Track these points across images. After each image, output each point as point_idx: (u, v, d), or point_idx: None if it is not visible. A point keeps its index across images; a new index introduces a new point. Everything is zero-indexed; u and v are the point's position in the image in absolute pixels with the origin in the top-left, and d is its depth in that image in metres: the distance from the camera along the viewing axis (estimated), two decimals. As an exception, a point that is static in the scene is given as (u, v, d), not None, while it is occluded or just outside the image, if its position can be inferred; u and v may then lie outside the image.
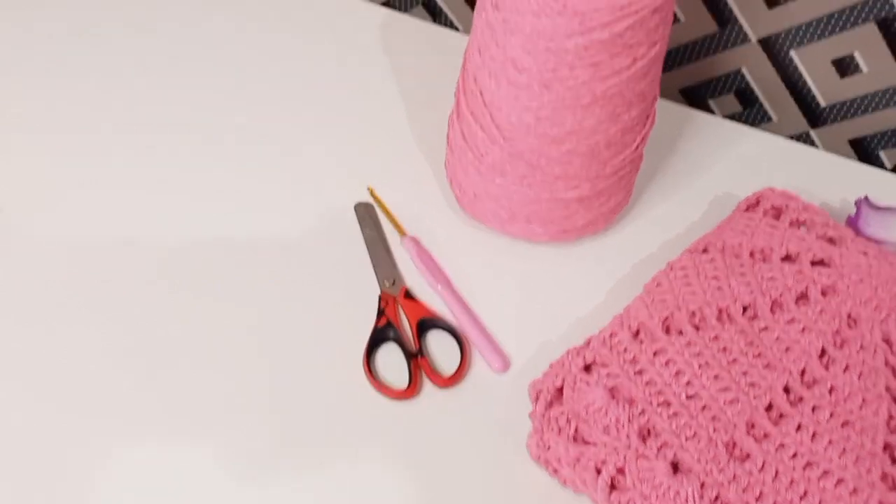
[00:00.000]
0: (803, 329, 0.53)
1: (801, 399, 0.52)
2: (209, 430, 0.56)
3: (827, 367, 0.53)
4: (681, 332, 0.54)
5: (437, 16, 0.83)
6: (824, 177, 0.71)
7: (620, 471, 0.50)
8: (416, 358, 0.59)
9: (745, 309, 0.55)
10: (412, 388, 0.57)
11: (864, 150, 0.75)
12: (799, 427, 0.51)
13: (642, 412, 0.50)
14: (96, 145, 0.71)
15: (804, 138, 0.76)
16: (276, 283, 0.63)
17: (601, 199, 0.62)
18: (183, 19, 0.80)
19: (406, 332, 0.60)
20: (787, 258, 0.58)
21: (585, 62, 0.52)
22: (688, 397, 0.51)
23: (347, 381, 0.58)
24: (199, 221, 0.66)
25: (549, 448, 0.51)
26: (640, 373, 0.52)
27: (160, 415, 0.56)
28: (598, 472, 0.50)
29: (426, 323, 0.61)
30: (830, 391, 0.52)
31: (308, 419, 0.57)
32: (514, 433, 0.55)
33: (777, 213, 0.61)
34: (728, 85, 0.76)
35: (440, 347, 0.60)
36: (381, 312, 0.61)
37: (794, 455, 0.49)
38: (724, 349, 0.52)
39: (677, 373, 0.51)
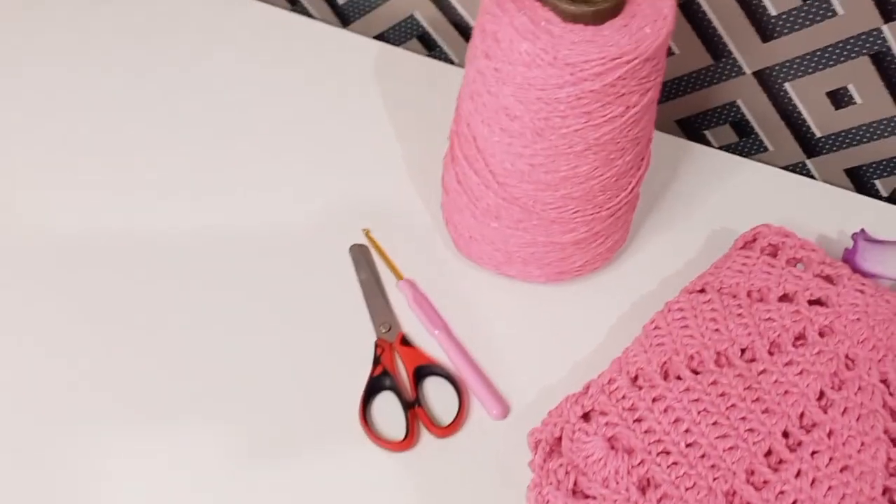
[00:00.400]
0: (801, 371, 0.54)
1: (800, 444, 0.52)
2: (203, 483, 0.56)
3: (825, 411, 0.53)
4: (679, 378, 0.54)
5: (431, 49, 0.83)
6: (821, 208, 0.71)
7: None
8: (413, 408, 0.58)
9: (742, 351, 0.55)
10: (409, 440, 0.57)
11: (860, 179, 0.75)
12: (798, 473, 0.51)
13: (641, 462, 0.50)
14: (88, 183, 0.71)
15: (800, 168, 0.76)
16: (268, 330, 0.63)
17: (598, 241, 0.62)
18: (179, 58, 0.80)
19: (403, 381, 0.60)
20: (784, 298, 0.58)
21: (578, 111, 0.52)
22: (687, 445, 0.51)
23: (343, 432, 0.58)
24: (190, 262, 0.66)
25: (548, 502, 0.51)
26: (638, 421, 0.52)
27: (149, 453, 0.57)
28: None
29: (423, 370, 0.60)
30: (829, 435, 0.52)
31: (304, 472, 0.57)
32: (516, 482, 0.55)
33: (774, 250, 0.61)
34: (724, 116, 0.76)
35: (438, 395, 0.60)
36: (377, 360, 0.60)
37: (794, 502, 0.49)
38: (723, 394, 0.52)
39: (676, 420, 0.51)
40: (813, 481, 0.50)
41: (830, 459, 0.51)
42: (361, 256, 0.66)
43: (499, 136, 0.55)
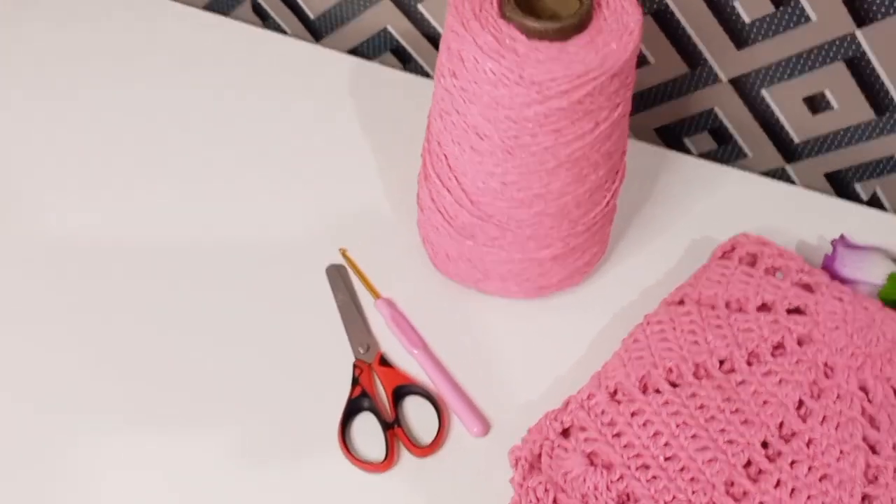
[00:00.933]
0: (780, 381, 0.54)
1: (779, 454, 0.52)
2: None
3: (804, 420, 0.53)
4: (658, 391, 0.53)
5: (406, 62, 0.83)
6: (802, 213, 0.71)
7: None
8: (392, 428, 0.58)
9: (721, 363, 0.55)
10: (389, 460, 0.57)
11: (840, 183, 0.75)
12: (778, 483, 0.51)
13: (621, 478, 0.50)
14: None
15: (780, 173, 0.76)
16: (245, 352, 0.62)
17: (575, 255, 0.61)
18: (152, 75, 0.80)
19: (382, 401, 0.60)
20: (763, 307, 0.58)
21: (547, 129, 0.52)
22: (666, 459, 0.51)
23: (323, 454, 0.58)
24: (162, 280, 0.66)
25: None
26: (617, 435, 0.52)
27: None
28: None
29: (402, 390, 0.60)
30: (808, 444, 0.52)
31: (284, 494, 0.56)
32: (497, 500, 0.55)
33: (752, 259, 0.61)
34: (702, 124, 0.76)
35: (418, 414, 0.60)
36: (355, 381, 0.60)
37: None
38: (702, 406, 0.52)
39: (655, 434, 0.51)
40: (792, 491, 0.50)
41: (810, 469, 0.51)
42: (338, 277, 0.66)
43: (469, 155, 0.55)
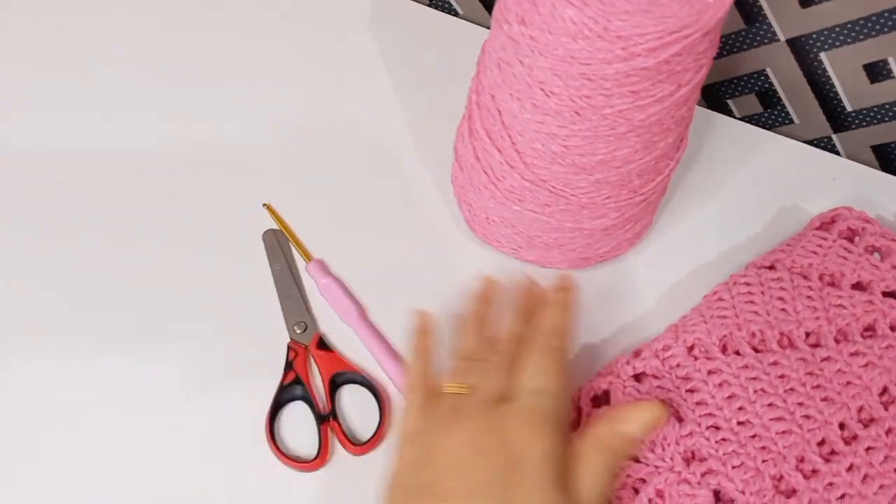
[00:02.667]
0: (867, 364, 0.51)
1: (855, 437, 0.49)
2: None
3: (886, 408, 0.50)
4: (738, 354, 0.51)
5: (432, -1, 0.76)
6: (848, 186, 0.67)
7: (660, 494, 0.48)
8: (326, 421, 0.53)
9: (807, 335, 0.52)
10: (321, 458, 0.51)
11: (886, 157, 0.71)
12: (850, 467, 0.48)
13: (690, 434, 0.48)
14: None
15: (825, 142, 0.72)
16: (171, 323, 0.56)
17: (627, 227, 0.56)
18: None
19: (317, 390, 0.54)
20: (857, 286, 0.55)
21: (625, 90, 0.46)
22: (739, 423, 0.48)
23: (249, 447, 0.52)
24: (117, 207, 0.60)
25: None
26: (691, 391, 0.49)
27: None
28: (637, 491, 0.48)
29: (341, 377, 0.54)
30: (888, 432, 0.49)
31: (206, 492, 0.51)
32: None
33: (851, 235, 0.58)
34: (750, 85, 0.70)
35: (357, 406, 0.54)
36: (288, 366, 0.54)
37: (843, 496, 0.47)
38: (783, 377, 0.50)
39: (730, 396, 0.49)
40: (865, 477, 0.48)
41: (885, 458, 0.49)
42: (276, 243, 0.58)
43: (530, 114, 0.49)
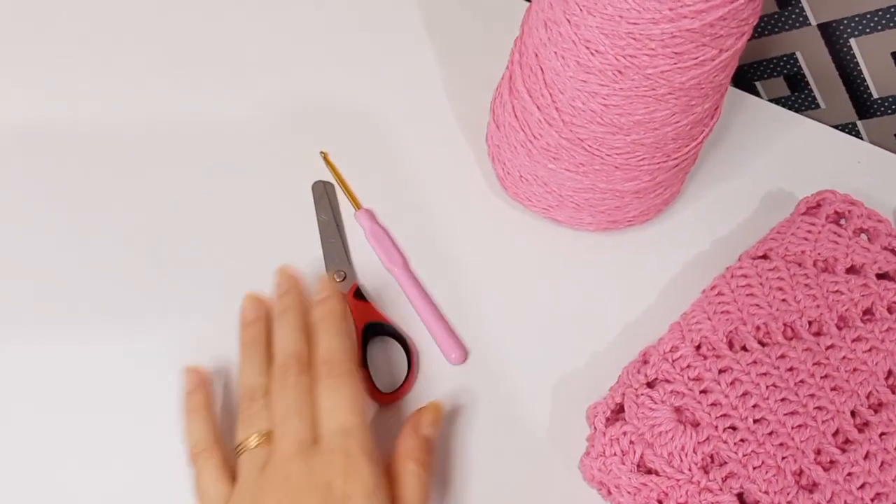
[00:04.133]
0: (871, 349, 0.51)
1: (867, 424, 0.50)
2: (139, 458, 0.51)
3: (894, 391, 0.50)
4: (746, 349, 0.51)
5: (471, -31, 0.78)
6: (872, 171, 0.68)
7: None
8: None
9: (810, 324, 0.52)
10: None
11: (911, 146, 0.72)
12: (867, 455, 0.48)
13: (707, 439, 0.47)
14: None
15: (850, 128, 0.73)
16: (212, 264, 0.57)
17: (657, 192, 0.58)
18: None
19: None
20: (851, 270, 0.55)
21: (669, 51, 0.48)
22: (755, 422, 0.48)
23: None
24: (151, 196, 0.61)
25: (609, 472, 0.48)
26: (704, 392, 0.49)
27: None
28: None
29: (373, 328, 0.55)
30: None
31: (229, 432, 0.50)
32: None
33: (838, 218, 0.58)
34: (779, 68, 0.72)
35: (386, 356, 0.55)
36: None
37: (863, 486, 0.47)
38: (791, 369, 0.50)
39: (744, 394, 0.48)
40: (882, 464, 0.48)
41: None
42: (324, 194, 0.60)
43: (573, 72, 0.51)
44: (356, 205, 0.60)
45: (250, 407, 0.48)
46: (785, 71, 0.72)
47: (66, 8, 0.70)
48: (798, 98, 0.74)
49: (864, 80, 0.70)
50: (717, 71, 0.50)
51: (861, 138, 0.73)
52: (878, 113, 0.71)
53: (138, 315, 0.56)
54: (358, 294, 0.57)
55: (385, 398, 0.53)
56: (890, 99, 0.70)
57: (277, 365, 0.49)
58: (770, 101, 0.74)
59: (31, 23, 0.69)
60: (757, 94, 0.75)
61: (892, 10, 0.65)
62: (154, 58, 0.68)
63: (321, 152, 0.62)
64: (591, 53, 0.50)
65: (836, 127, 0.73)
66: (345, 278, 0.57)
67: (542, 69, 0.53)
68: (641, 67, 0.49)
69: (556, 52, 0.52)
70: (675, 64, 0.49)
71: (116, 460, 0.51)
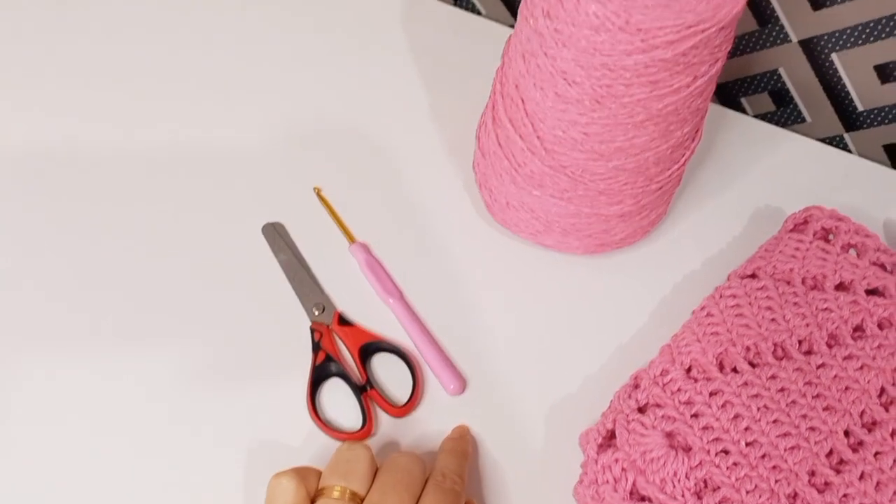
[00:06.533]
0: (862, 366, 0.51)
1: (861, 444, 0.50)
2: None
3: (887, 409, 0.51)
4: (736, 371, 0.51)
5: (457, -3, 0.79)
6: (860, 183, 0.69)
7: None
8: (365, 391, 0.54)
9: (800, 343, 0.53)
10: (369, 427, 0.53)
11: (899, 156, 0.73)
12: (862, 475, 0.49)
13: (700, 464, 0.47)
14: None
15: (837, 141, 0.74)
16: (196, 326, 0.57)
17: (643, 214, 0.59)
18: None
19: (349, 364, 0.56)
20: (840, 286, 0.55)
21: (643, 80, 0.49)
22: (747, 444, 0.48)
23: (295, 431, 0.53)
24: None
25: (602, 500, 0.48)
26: (696, 416, 0.49)
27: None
28: None
29: (369, 348, 0.56)
30: (892, 435, 0.50)
31: (258, 481, 0.51)
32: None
33: (825, 234, 0.59)
34: (763, 84, 0.73)
35: (389, 372, 0.56)
36: (316, 347, 0.55)
37: None
38: (782, 390, 0.50)
39: (735, 417, 0.49)
40: (877, 484, 0.48)
41: (894, 461, 0.49)
42: (276, 234, 0.60)
43: (552, 102, 0.52)
44: (350, 238, 0.61)
45: (352, 460, 0.48)
46: (769, 87, 0.73)
47: (59, 33, 0.72)
48: (784, 113, 0.74)
49: (848, 93, 0.70)
50: (694, 97, 0.51)
51: (849, 150, 0.74)
52: (865, 125, 0.72)
53: (111, 349, 0.56)
54: (342, 321, 0.57)
55: (398, 411, 0.54)
56: (876, 111, 0.71)
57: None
58: (756, 116, 0.75)
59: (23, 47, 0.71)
60: (743, 109, 0.76)
61: (872, 24, 0.65)
62: (142, 87, 0.69)
63: (314, 188, 0.63)
64: (569, 84, 0.51)
65: (823, 140, 0.74)
66: (324, 310, 0.58)
67: (522, 99, 0.54)
68: (618, 96, 0.50)
69: (535, 84, 0.52)
70: (651, 92, 0.50)
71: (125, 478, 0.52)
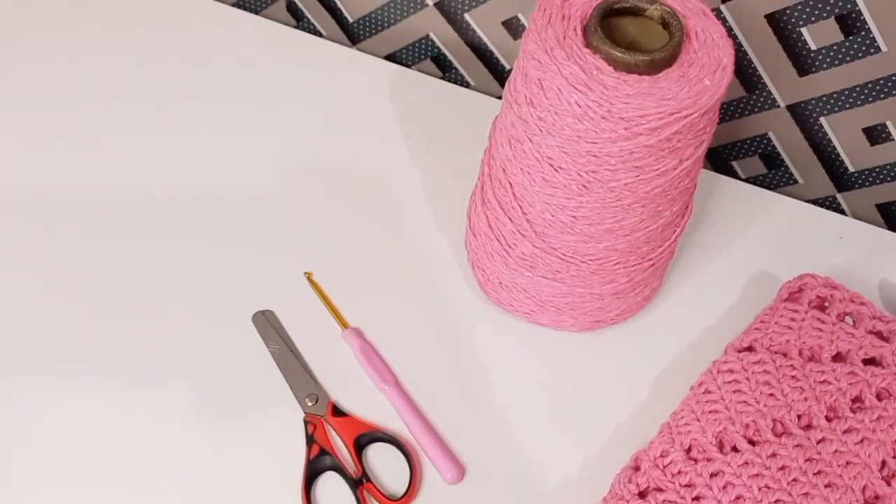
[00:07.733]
0: (862, 440, 0.51)
1: (865, 522, 0.49)
2: None
3: (889, 482, 0.50)
4: (736, 450, 0.50)
5: (446, 71, 0.80)
6: (854, 245, 0.68)
7: None
8: (361, 485, 0.53)
9: (799, 417, 0.52)
10: None
11: (892, 215, 0.73)
12: None
13: None
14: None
15: (830, 201, 0.74)
16: (183, 416, 0.56)
17: (637, 290, 0.59)
18: (174, 61, 0.76)
19: (343, 457, 0.55)
20: (837, 357, 0.55)
21: (629, 165, 0.49)
22: None
23: None
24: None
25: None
26: (697, 499, 0.48)
27: None
28: None
29: (364, 439, 0.55)
30: None
31: None
32: None
33: (821, 302, 0.59)
34: (753, 148, 0.73)
35: (385, 463, 0.55)
36: (310, 440, 0.54)
37: None
38: (783, 468, 0.49)
39: (737, 498, 0.48)
40: None
41: None
42: (266, 324, 0.60)
43: (540, 186, 0.52)
44: (343, 324, 0.61)
45: None
46: (760, 150, 0.73)
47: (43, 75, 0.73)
48: (776, 175, 0.74)
49: (838, 155, 0.71)
50: (681, 177, 0.51)
51: (842, 211, 0.74)
52: (857, 185, 0.72)
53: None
54: (336, 411, 0.56)
55: None
56: (866, 172, 0.71)
57: None
58: (748, 179, 0.75)
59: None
60: (734, 173, 0.76)
61: (858, 88, 0.66)
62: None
63: (305, 273, 0.63)
64: (555, 170, 0.51)
65: (816, 200, 0.74)
66: (317, 401, 0.57)
67: (510, 183, 0.54)
68: (605, 181, 0.50)
69: (521, 168, 0.53)
70: (638, 176, 0.50)
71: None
